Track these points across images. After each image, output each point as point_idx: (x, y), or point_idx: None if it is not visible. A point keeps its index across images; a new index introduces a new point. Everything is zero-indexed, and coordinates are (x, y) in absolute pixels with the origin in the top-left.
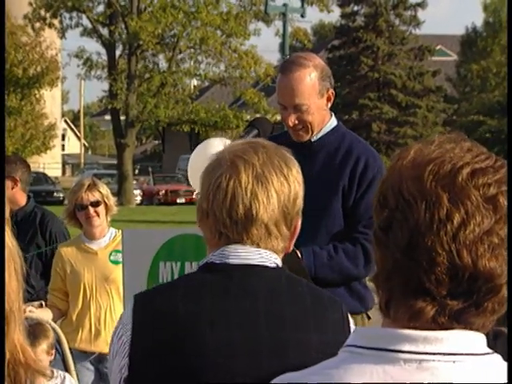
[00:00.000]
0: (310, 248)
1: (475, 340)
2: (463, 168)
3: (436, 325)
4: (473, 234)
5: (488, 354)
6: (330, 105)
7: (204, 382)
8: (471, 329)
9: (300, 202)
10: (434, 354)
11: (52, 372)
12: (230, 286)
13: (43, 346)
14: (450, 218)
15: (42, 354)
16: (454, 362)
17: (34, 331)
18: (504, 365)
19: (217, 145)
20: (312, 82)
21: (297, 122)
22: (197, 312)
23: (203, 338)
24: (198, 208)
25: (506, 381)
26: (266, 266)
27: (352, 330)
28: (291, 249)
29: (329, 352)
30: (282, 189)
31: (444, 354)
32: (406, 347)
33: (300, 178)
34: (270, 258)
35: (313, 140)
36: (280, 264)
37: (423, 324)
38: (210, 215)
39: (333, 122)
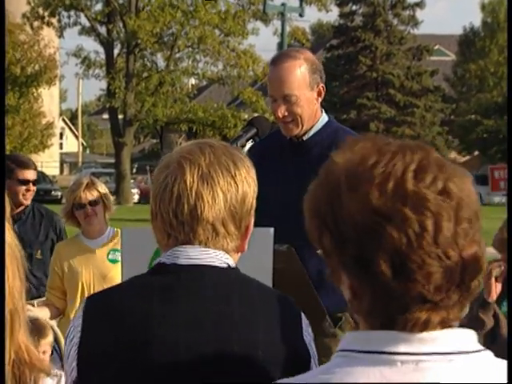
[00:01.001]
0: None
1: (468, 338)
2: (405, 175)
3: (441, 324)
4: (449, 231)
5: (480, 351)
6: (320, 100)
7: (152, 383)
8: (458, 312)
9: (250, 201)
10: (430, 354)
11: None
12: (177, 286)
13: (43, 343)
14: (424, 228)
15: (41, 353)
16: (449, 360)
17: (34, 329)
18: (496, 360)
19: None
20: (302, 74)
21: (286, 113)
22: (145, 313)
23: (150, 339)
24: (150, 211)
25: (498, 376)
26: (216, 266)
27: (305, 328)
28: (246, 248)
29: (276, 353)
30: (229, 188)
31: (440, 353)
32: (402, 348)
33: (250, 177)
34: (221, 258)
35: (305, 138)
36: (232, 264)
37: (412, 329)
38: (158, 216)
39: (324, 118)
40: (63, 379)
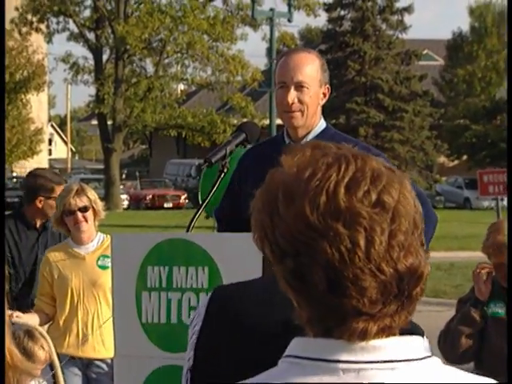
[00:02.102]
0: None
1: (413, 345)
2: (337, 189)
3: (381, 332)
4: (381, 245)
5: (426, 358)
6: (324, 101)
7: None
8: (405, 318)
9: None
10: (372, 362)
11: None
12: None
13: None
14: (355, 243)
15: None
16: (392, 369)
17: (32, 335)
18: (443, 367)
19: None
20: (315, 67)
21: (296, 100)
22: (264, 315)
23: (265, 344)
24: None
25: (444, 383)
26: None
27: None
28: None
29: None
30: None
31: (382, 361)
32: (344, 357)
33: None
34: None
35: (303, 143)
36: None
37: (349, 338)
38: None
39: (322, 123)
40: None
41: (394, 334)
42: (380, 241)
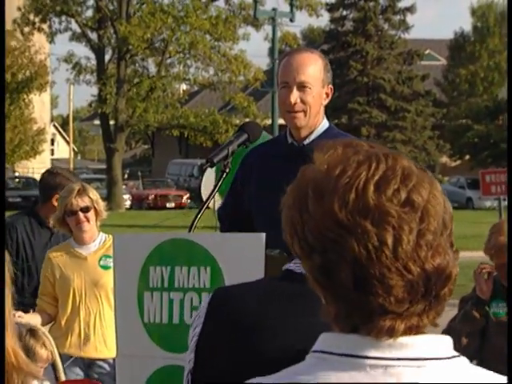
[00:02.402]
0: None
1: (441, 344)
2: (366, 187)
3: (408, 331)
4: (409, 244)
5: (454, 357)
6: (327, 101)
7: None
8: (433, 318)
9: None
10: (399, 359)
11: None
12: (301, 299)
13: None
14: (383, 241)
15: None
16: (419, 366)
17: (34, 333)
18: (470, 367)
19: None
20: (318, 67)
21: (298, 100)
22: (264, 318)
23: (265, 344)
24: None
25: (471, 383)
26: None
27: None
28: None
29: None
30: None
31: (410, 359)
32: (372, 353)
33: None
34: None
35: (306, 143)
36: None
37: (377, 335)
38: None
39: (325, 123)
40: None
41: (422, 333)
42: (408, 240)
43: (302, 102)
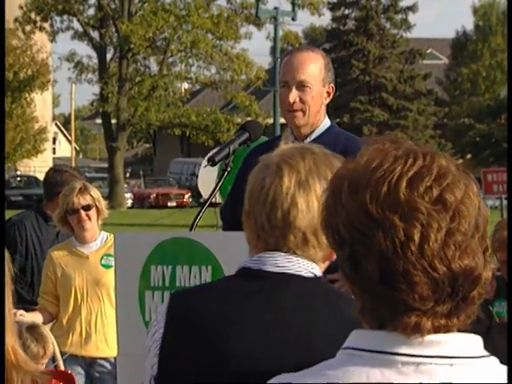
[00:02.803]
0: None
1: (472, 343)
2: (399, 182)
3: (436, 330)
4: (436, 242)
5: (484, 356)
6: (328, 100)
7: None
8: (464, 319)
9: None
10: (431, 356)
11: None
12: (261, 294)
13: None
14: (409, 237)
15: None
16: (451, 365)
17: (36, 332)
18: (500, 367)
19: None
20: (319, 67)
21: (297, 99)
22: (226, 317)
23: (229, 344)
24: (243, 209)
25: (502, 382)
26: (302, 276)
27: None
28: (334, 258)
29: None
30: None
31: (441, 357)
32: (403, 350)
33: None
34: (307, 267)
35: (307, 141)
36: (318, 273)
37: (403, 331)
38: (250, 217)
39: (327, 122)
40: None
41: (453, 332)
42: (435, 238)
43: (301, 101)
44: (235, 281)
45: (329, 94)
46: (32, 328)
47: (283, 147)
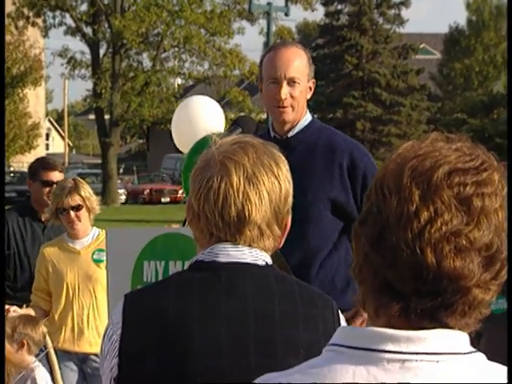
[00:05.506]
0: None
1: (458, 339)
2: (442, 166)
3: (406, 322)
4: (438, 232)
5: (471, 352)
6: (310, 95)
7: (193, 381)
8: (450, 329)
9: (290, 199)
10: (417, 353)
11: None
12: (218, 284)
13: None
14: (417, 214)
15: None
16: (437, 361)
17: (29, 320)
18: (487, 363)
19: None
20: (305, 62)
21: (288, 95)
22: (185, 311)
23: (191, 336)
24: (188, 209)
25: (488, 380)
26: (256, 264)
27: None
28: (281, 245)
29: (318, 351)
30: (274, 188)
31: (427, 353)
32: (389, 347)
33: (289, 175)
34: (260, 257)
35: (290, 135)
36: (270, 262)
37: (390, 319)
38: (201, 217)
39: (308, 116)
40: (37, 372)
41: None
42: (440, 227)
43: (291, 96)
44: (190, 274)
45: (311, 88)
46: (23, 316)
47: (220, 143)
